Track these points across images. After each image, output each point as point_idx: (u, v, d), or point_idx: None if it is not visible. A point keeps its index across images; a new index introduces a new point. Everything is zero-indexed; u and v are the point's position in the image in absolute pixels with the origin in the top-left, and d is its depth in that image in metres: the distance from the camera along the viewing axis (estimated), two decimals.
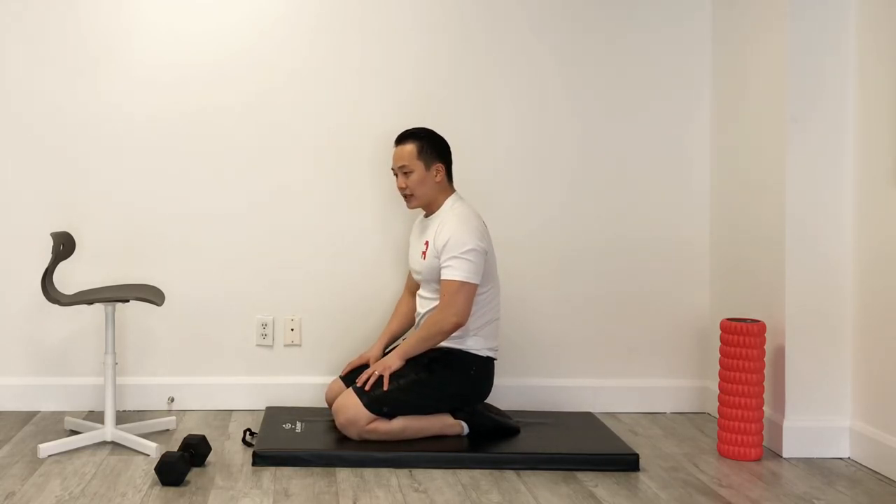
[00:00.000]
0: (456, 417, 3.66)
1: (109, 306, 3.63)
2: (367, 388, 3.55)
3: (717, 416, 3.73)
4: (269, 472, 3.36)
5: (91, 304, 3.61)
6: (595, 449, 3.56)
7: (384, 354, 3.79)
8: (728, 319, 3.63)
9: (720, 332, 3.64)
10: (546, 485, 3.28)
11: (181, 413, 4.12)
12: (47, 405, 4.13)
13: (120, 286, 3.84)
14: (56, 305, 3.65)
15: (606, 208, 4.26)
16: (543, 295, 4.25)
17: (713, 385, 4.11)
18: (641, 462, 3.50)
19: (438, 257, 3.64)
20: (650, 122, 4.26)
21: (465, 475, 3.36)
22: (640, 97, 4.26)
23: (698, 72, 4.27)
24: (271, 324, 4.21)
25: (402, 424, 3.57)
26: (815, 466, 3.50)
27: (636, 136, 4.26)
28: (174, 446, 3.56)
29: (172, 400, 4.17)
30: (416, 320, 3.81)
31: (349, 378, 3.77)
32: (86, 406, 4.15)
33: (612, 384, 4.26)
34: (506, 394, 4.11)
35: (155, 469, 3.24)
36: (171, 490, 3.17)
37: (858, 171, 3.57)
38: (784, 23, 3.61)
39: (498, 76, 4.22)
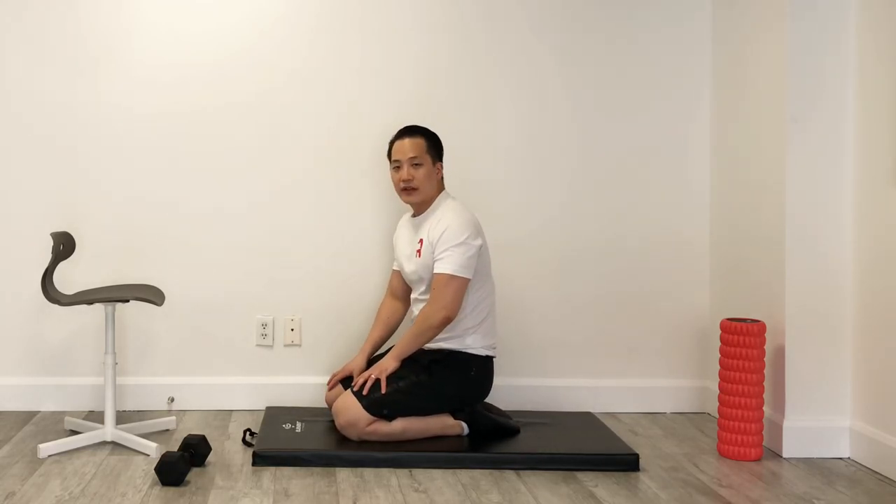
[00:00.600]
0: (456, 418, 3.66)
1: (109, 306, 3.63)
2: (364, 391, 3.55)
3: (717, 416, 3.73)
4: (269, 472, 3.36)
5: (91, 304, 3.61)
6: (595, 449, 3.56)
7: (369, 365, 3.78)
8: (728, 319, 3.63)
9: (720, 332, 3.64)
10: (546, 485, 3.28)
11: (181, 413, 4.12)
12: (47, 405, 4.13)
13: (120, 286, 3.84)
14: (56, 305, 3.65)
15: (606, 208, 4.26)
16: (543, 295, 4.25)
17: (713, 385, 4.11)
18: (641, 462, 3.50)
19: (433, 252, 3.63)
20: (650, 122, 4.26)
21: (465, 475, 3.36)
22: (640, 97, 4.26)
23: (698, 72, 4.27)
24: (271, 324, 4.21)
25: (402, 425, 3.57)
26: (815, 466, 3.50)
27: (636, 136, 4.26)
28: (174, 446, 3.56)
29: (172, 400, 4.17)
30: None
31: (347, 381, 3.76)
32: (86, 406, 4.15)
33: (612, 384, 4.26)
34: (506, 394, 4.11)
35: (155, 469, 3.24)
36: (171, 490, 3.17)
37: (858, 171, 3.57)
38: (784, 23, 3.61)
39: (498, 76, 4.22)
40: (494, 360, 3.77)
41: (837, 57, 3.59)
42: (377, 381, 3.56)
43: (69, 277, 4.03)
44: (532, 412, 4.04)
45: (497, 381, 3.87)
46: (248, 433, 3.74)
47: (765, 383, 3.65)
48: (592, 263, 4.26)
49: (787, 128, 3.61)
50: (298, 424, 3.76)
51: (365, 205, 4.20)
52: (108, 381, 3.62)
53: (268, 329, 4.21)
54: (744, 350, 3.54)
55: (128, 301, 3.61)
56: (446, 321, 3.58)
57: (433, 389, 3.61)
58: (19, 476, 3.29)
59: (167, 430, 3.85)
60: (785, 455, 3.60)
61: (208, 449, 3.43)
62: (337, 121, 4.19)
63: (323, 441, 3.58)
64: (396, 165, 3.77)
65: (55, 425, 3.89)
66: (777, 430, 3.64)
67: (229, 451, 3.61)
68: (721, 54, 4.18)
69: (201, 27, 4.14)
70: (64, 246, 3.63)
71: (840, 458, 3.59)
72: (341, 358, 4.10)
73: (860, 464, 3.52)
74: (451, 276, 3.57)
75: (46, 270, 3.54)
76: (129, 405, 4.15)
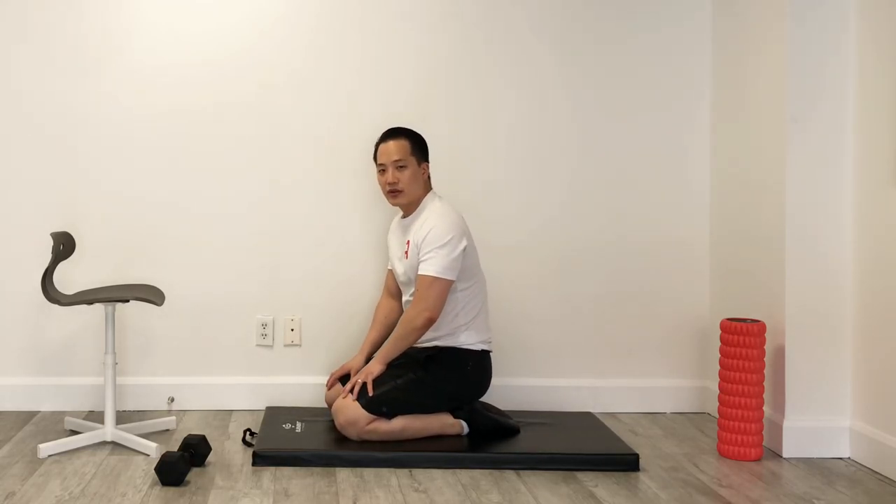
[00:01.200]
0: (456, 417, 3.66)
1: (109, 306, 3.63)
2: (354, 397, 3.55)
3: (717, 416, 3.73)
4: (269, 472, 3.36)
5: (91, 304, 3.61)
6: (595, 449, 3.56)
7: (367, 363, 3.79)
8: (728, 319, 3.63)
9: (720, 332, 3.64)
10: (546, 485, 3.28)
11: (181, 413, 4.12)
12: (47, 405, 4.13)
13: (120, 286, 3.83)
14: (56, 305, 3.65)
15: (606, 208, 4.26)
16: (543, 295, 4.25)
17: (713, 385, 4.11)
18: (641, 462, 3.50)
19: (419, 253, 3.64)
20: (650, 122, 4.26)
21: (465, 475, 3.36)
22: (640, 97, 4.26)
23: (698, 72, 4.27)
24: (271, 324, 4.21)
25: (401, 424, 3.57)
26: (815, 466, 3.50)
27: (636, 136, 4.26)
28: (174, 446, 3.56)
29: (172, 400, 4.17)
30: None
31: (346, 379, 3.76)
32: (86, 406, 4.15)
33: (612, 384, 4.26)
34: (506, 394, 4.11)
35: (155, 469, 3.24)
36: (171, 490, 3.17)
37: (858, 171, 3.57)
38: (784, 23, 3.61)
39: (498, 76, 4.22)
40: (491, 354, 3.77)
41: (837, 57, 3.59)
42: (365, 385, 3.57)
43: (69, 277, 4.03)
44: (532, 412, 4.04)
45: (497, 381, 3.87)
46: (248, 433, 3.74)
47: (765, 383, 3.65)
48: (593, 263, 4.26)
49: (787, 128, 3.61)
50: (298, 424, 3.76)
51: (365, 204, 4.20)
52: (108, 381, 3.62)
53: (268, 329, 4.21)
54: (744, 350, 3.54)
55: (128, 301, 3.61)
56: (429, 322, 3.58)
57: (431, 386, 3.61)
58: (19, 476, 3.29)
59: (167, 430, 3.85)
60: (785, 455, 3.60)
61: (208, 449, 3.43)
62: (337, 121, 4.19)
63: (323, 441, 3.58)
64: (382, 169, 3.78)
65: (55, 425, 3.89)
66: (777, 430, 3.64)
67: (229, 451, 3.61)
68: (721, 54, 4.18)
69: (201, 27, 4.14)
70: (64, 246, 3.63)
71: (840, 458, 3.59)
72: (341, 358, 4.10)
73: (860, 464, 3.52)
74: (435, 278, 3.57)
75: (46, 270, 3.54)
76: (129, 405, 4.15)
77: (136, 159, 4.14)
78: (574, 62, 4.24)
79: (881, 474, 3.41)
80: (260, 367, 4.21)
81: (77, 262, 4.00)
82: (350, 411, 3.54)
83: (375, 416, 3.54)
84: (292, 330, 4.21)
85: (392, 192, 3.75)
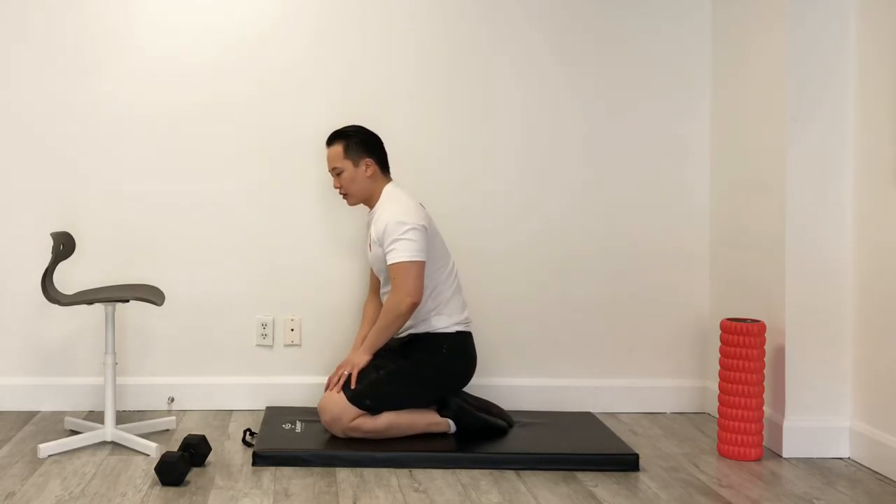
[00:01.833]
0: (443, 416, 3.66)
1: (109, 306, 3.63)
2: (337, 389, 3.55)
3: (717, 416, 3.73)
4: (269, 472, 3.36)
5: (91, 304, 3.61)
6: (595, 449, 3.56)
7: None
8: (728, 319, 3.62)
9: (720, 332, 3.64)
10: (546, 485, 3.28)
11: (181, 413, 4.12)
12: (47, 405, 4.13)
13: (120, 286, 3.83)
14: (56, 305, 3.65)
15: (606, 208, 4.26)
16: (544, 295, 4.25)
17: (713, 385, 4.11)
18: (641, 462, 3.50)
19: (381, 245, 3.65)
20: (650, 122, 4.26)
21: (465, 475, 3.36)
22: (639, 97, 4.26)
23: (698, 72, 4.27)
24: (271, 324, 4.21)
25: (386, 421, 3.56)
26: (815, 466, 3.50)
27: (636, 136, 4.26)
28: (174, 446, 3.56)
29: (172, 400, 4.17)
30: None
31: None
32: (86, 406, 4.15)
33: (612, 384, 4.26)
34: (506, 394, 4.12)
35: (155, 469, 3.24)
36: (171, 490, 3.17)
37: (858, 171, 3.57)
38: (784, 23, 3.61)
39: (498, 77, 4.22)
40: (471, 334, 3.76)
41: (837, 57, 3.59)
42: (349, 377, 3.58)
43: (69, 277, 4.03)
44: (532, 412, 4.04)
45: (497, 381, 3.87)
46: (248, 433, 3.74)
47: (765, 383, 3.65)
48: (593, 263, 4.26)
49: (787, 128, 3.61)
50: (298, 424, 3.76)
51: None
52: (108, 381, 3.62)
53: (268, 329, 4.21)
54: (744, 350, 3.54)
55: (128, 301, 3.61)
56: (413, 307, 3.59)
57: (412, 373, 3.62)
58: (19, 476, 3.29)
59: (167, 430, 3.85)
60: (785, 455, 3.60)
61: (208, 449, 3.43)
62: (337, 120, 4.18)
63: (323, 441, 3.58)
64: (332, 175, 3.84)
65: (55, 425, 3.89)
66: (777, 430, 3.64)
67: (229, 451, 3.61)
68: (721, 54, 4.18)
69: (201, 27, 4.14)
70: (64, 246, 3.63)
71: (840, 458, 3.59)
72: (341, 358, 4.10)
73: (860, 464, 3.52)
74: (409, 263, 3.58)
75: (46, 270, 3.54)
76: (129, 405, 4.15)
77: (137, 159, 4.14)
78: (574, 62, 4.24)
79: (881, 474, 3.41)
80: (260, 367, 4.21)
81: (77, 262, 4.00)
82: (334, 407, 3.54)
83: (360, 412, 3.54)
84: (292, 330, 4.21)
85: (343, 197, 3.81)
